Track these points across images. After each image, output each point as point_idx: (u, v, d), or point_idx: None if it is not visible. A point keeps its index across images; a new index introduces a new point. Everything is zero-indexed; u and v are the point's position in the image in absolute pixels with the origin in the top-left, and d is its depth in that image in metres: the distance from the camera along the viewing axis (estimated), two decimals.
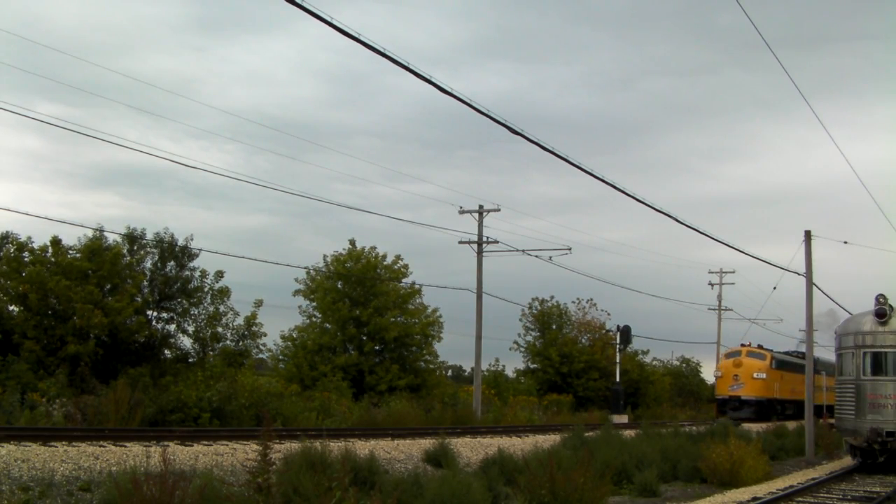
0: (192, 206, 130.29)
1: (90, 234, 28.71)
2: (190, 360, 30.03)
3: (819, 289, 29.88)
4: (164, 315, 30.31)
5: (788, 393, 50.50)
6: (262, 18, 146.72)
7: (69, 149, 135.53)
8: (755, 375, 46.58)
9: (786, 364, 50.92)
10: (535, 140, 14.98)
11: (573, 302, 51.60)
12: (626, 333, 44.93)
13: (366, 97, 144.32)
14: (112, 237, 29.34)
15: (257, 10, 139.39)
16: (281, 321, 70.74)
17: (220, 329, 30.54)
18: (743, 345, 49.35)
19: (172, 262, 30.37)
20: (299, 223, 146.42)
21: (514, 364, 68.71)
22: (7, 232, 28.40)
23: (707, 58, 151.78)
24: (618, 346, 44.75)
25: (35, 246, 27.68)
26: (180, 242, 30.31)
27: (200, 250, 30.74)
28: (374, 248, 39.58)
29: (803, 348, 60.39)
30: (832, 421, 29.83)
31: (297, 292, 39.44)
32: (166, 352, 30.23)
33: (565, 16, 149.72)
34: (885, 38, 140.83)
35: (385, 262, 39.56)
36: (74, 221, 78.09)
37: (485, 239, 35.20)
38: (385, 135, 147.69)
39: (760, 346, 49.19)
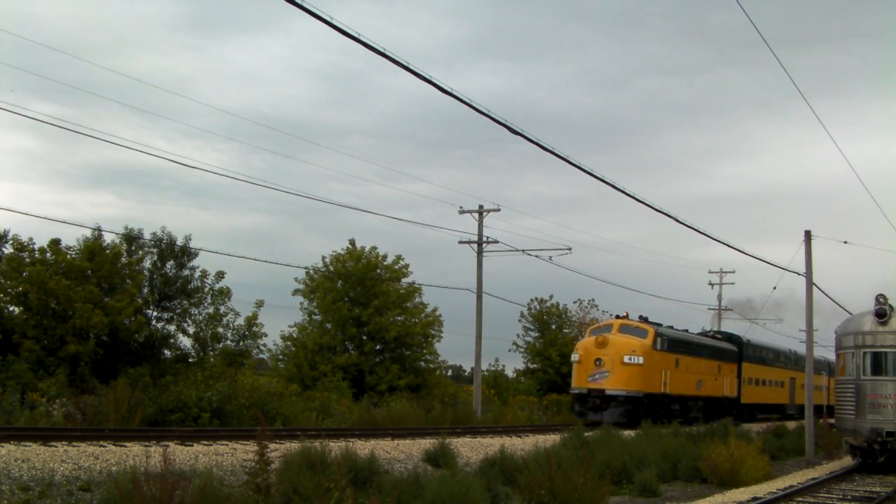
0: (189, 205, 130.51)
1: (89, 233, 28.78)
2: (190, 360, 30.04)
3: (819, 289, 29.85)
4: (164, 315, 30.32)
5: (690, 387, 36.58)
6: (254, 17, 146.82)
7: (64, 148, 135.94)
8: (626, 360, 32.11)
9: (684, 345, 36.58)
10: (535, 140, 14.99)
11: (574, 302, 51.53)
12: None
13: (360, 96, 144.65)
14: (111, 237, 29.41)
15: (250, 10, 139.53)
16: (281, 321, 70.81)
17: (220, 329, 30.57)
18: (618, 316, 35.61)
19: (172, 262, 30.40)
20: (296, 223, 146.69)
21: (514, 364, 68.72)
22: (5, 230, 28.46)
23: (701, 57, 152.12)
24: None
25: (35, 247, 27.71)
26: (179, 242, 30.35)
27: (200, 250, 30.80)
28: (374, 247, 39.70)
29: (720, 326, 51.18)
30: (832, 421, 29.83)
31: (296, 292, 39.52)
32: (166, 352, 30.24)
33: (559, 15, 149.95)
34: (880, 36, 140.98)
35: (385, 262, 39.64)
36: (72, 221, 78.12)
37: (485, 239, 35.21)
38: (380, 134, 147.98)
39: (644, 319, 35.25)
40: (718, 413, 38.74)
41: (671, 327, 36.94)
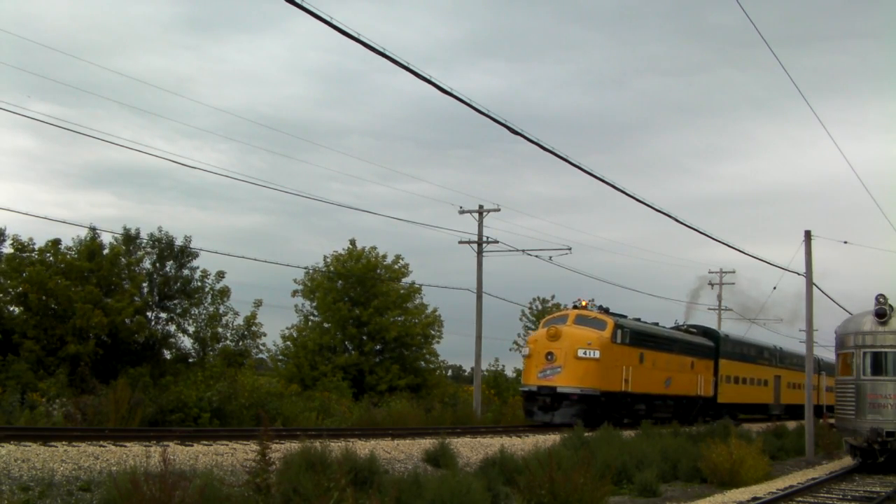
0: (187, 205, 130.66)
1: (84, 234, 28.84)
2: (190, 360, 30.08)
3: (819, 289, 29.86)
4: (164, 315, 30.36)
5: (657, 384, 33.31)
6: (252, 17, 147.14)
7: (63, 148, 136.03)
8: (581, 354, 28.73)
9: (650, 339, 33.18)
10: (536, 140, 14.99)
11: (574, 302, 51.40)
12: None
13: (358, 96, 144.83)
14: (110, 237, 29.46)
15: (247, 9, 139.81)
16: (280, 321, 70.97)
17: (220, 329, 30.61)
18: (576, 305, 32.13)
19: (172, 262, 30.44)
20: (295, 223, 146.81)
21: (514, 364, 68.68)
22: (3, 228, 28.50)
23: (700, 57, 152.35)
24: None
25: (35, 247, 27.74)
26: (179, 242, 30.41)
27: (200, 250, 30.85)
28: (374, 248, 39.75)
29: (695, 320, 46.61)
30: (832, 420, 29.83)
31: (295, 293, 39.54)
32: (166, 352, 30.28)
33: (557, 15, 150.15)
34: (878, 36, 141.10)
35: (385, 262, 39.68)
36: (71, 221, 78.18)
37: (485, 239, 35.21)
38: (379, 134, 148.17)
39: (605, 310, 31.86)
40: (692, 414, 36.00)
41: (638, 319, 34.00)
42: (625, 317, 32.80)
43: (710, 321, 55.52)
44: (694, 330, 40.65)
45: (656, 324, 36.21)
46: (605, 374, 29.40)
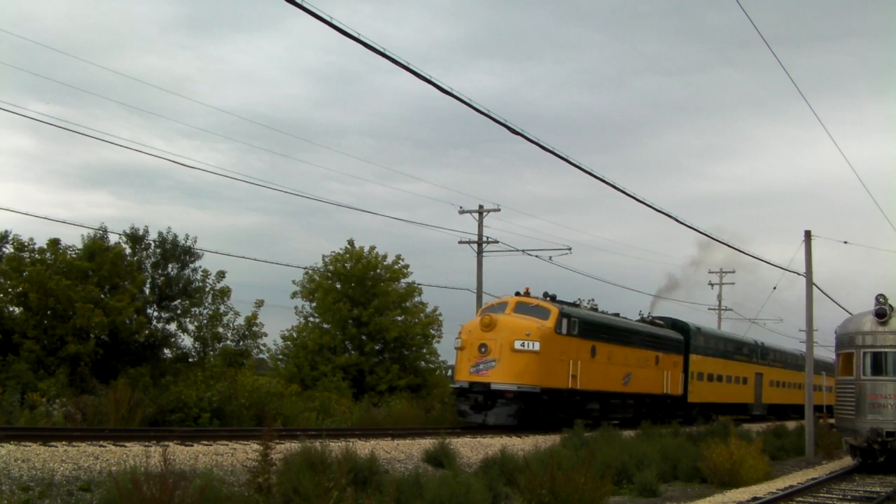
0: (186, 205, 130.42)
1: (91, 233, 28.81)
2: (190, 360, 30.06)
3: (819, 289, 29.89)
4: (165, 315, 30.33)
5: (613, 381, 30.00)
6: (251, 17, 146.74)
7: (62, 148, 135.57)
8: (518, 346, 25.54)
9: (604, 330, 29.73)
10: (535, 140, 15.02)
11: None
12: None
13: (357, 96, 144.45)
14: (114, 237, 29.43)
15: (246, 9, 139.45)
16: (280, 321, 70.91)
17: (220, 329, 30.60)
18: (518, 293, 28.37)
19: (174, 263, 30.44)
20: (294, 223, 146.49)
21: None
22: (6, 231, 28.47)
23: (699, 56, 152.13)
24: None
25: (35, 247, 27.73)
26: (182, 243, 30.39)
27: (201, 251, 30.81)
28: (373, 247, 39.72)
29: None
30: (832, 421, 29.86)
31: (294, 294, 39.51)
32: (166, 352, 30.27)
33: (555, 14, 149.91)
34: (877, 35, 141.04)
35: (385, 263, 39.66)
36: (71, 221, 78.22)
37: (485, 239, 35.24)
38: (378, 134, 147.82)
39: (551, 297, 28.53)
40: (657, 414, 32.74)
41: (595, 309, 31.44)
42: (577, 305, 29.96)
43: (710, 321, 55.39)
44: (661, 322, 37.11)
45: (617, 314, 33.15)
46: (548, 368, 26.12)
